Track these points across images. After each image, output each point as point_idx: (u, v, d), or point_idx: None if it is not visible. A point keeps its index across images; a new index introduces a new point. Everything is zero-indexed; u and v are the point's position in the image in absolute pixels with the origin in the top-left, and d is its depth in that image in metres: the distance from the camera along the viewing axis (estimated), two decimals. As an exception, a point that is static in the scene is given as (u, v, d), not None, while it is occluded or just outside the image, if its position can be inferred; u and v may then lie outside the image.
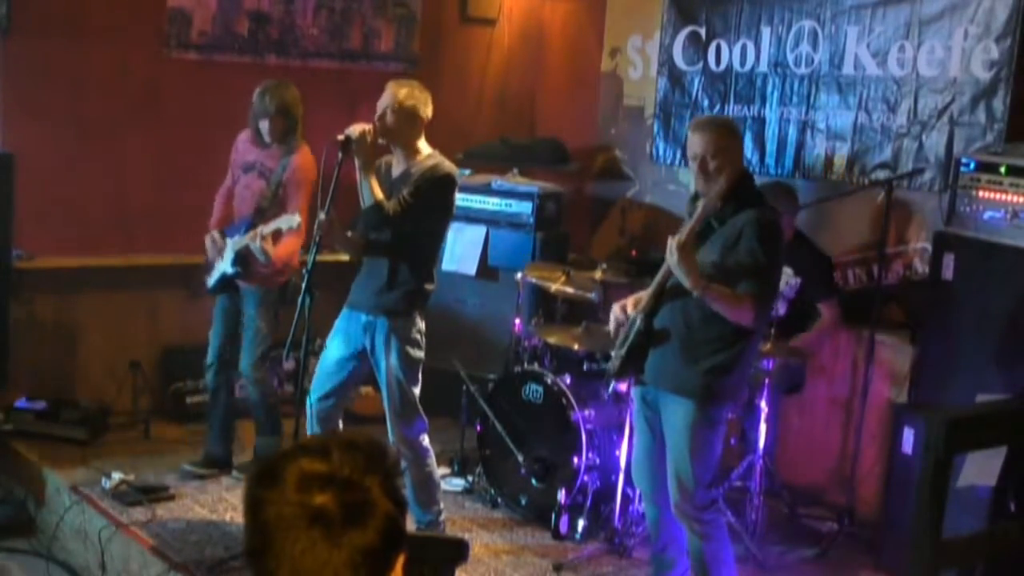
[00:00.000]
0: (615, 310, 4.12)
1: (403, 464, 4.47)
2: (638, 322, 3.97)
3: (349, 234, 4.50)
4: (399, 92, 4.36)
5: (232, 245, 4.96)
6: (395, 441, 4.49)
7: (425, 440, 4.55)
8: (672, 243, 3.73)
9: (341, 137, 4.36)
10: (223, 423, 5.28)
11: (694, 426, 3.86)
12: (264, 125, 4.97)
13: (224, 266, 4.99)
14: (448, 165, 4.44)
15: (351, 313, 4.51)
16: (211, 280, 5.04)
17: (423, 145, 4.45)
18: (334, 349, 4.54)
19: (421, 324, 4.47)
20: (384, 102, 4.37)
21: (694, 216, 3.84)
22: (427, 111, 4.41)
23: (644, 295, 4.02)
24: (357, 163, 4.31)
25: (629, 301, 4.10)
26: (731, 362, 3.85)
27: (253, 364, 5.10)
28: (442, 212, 4.46)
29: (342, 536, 1.46)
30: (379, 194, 4.30)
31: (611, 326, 4.14)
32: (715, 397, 3.87)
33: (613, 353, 4.12)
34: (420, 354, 4.47)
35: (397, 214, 4.29)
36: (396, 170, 4.47)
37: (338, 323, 4.58)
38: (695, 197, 4.01)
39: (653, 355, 3.96)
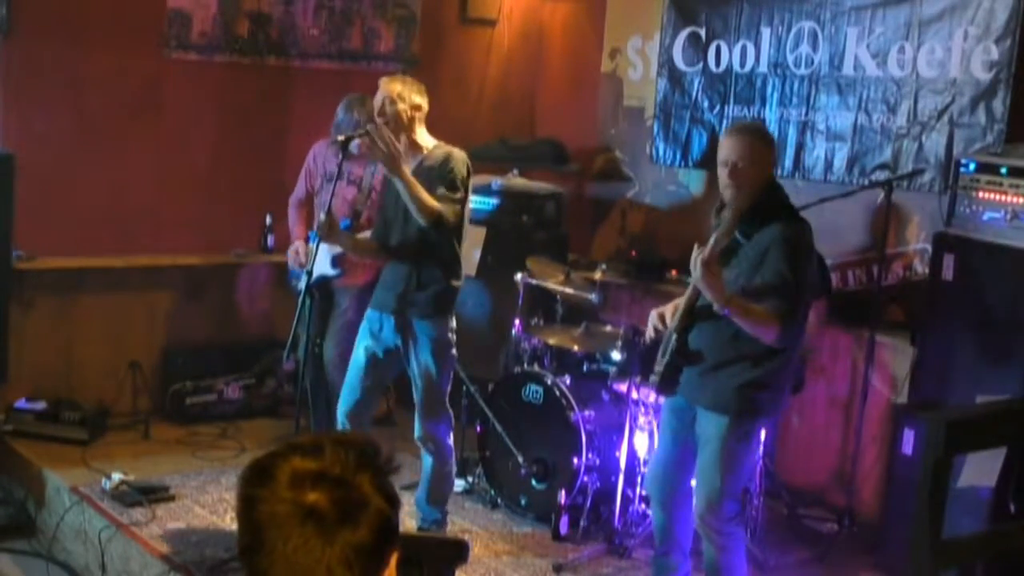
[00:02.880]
0: (653, 318, 4.05)
1: (428, 457, 4.48)
2: (672, 340, 3.90)
3: (359, 236, 4.49)
4: (393, 86, 4.35)
5: (329, 249, 5.00)
6: (421, 437, 4.50)
7: (450, 439, 4.59)
8: (696, 259, 3.66)
9: (341, 138, 4.37)
10: (329, 407, 5.27)
11: (728, 440, 3.83)
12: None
13: (323, 268, 5.07)
14: (454, 150, 4.43)
15: (380, 315, 4.50)
16: (311, 280, 5.10)
17: (426, 136, 4.44)
18: (362, 352, 4.53)
19: (453, 322, 4.50)
20: (380, 98, 4.35)
21: (719, 231, 3.75)
22: (422, 101, 4.39)
23: (680, 306, 3.95)
24: (398, 180, 4.23)
25: (668, 309, 4.04)
26: (766, 378, 3.81)
27: (340, 353, 5.17)
28: (463, 198, 4.45)
29: (335, 533, 1.47)
30: (433, 204, 4.23)
31: (648, 333, 4.09)
32: (750, 412, 3.84)
33: (655, 365, 4.03)
34: (454, 352, 4.51)
35: (456, 216, 4.31)
36: (405, 165, 4.45)
37: (364, 327, 4.56)
38: (720, 209, 3.94)
39: (688, 371, 3.92)
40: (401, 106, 4.33)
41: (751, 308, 3.72)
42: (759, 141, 3.86)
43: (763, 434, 4.06)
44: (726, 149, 3.85)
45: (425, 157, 4.41)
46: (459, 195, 4.35)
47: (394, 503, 1.53)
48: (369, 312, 4.58)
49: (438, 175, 4.34)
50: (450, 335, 4.48)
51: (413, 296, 4.40)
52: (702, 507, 3.91)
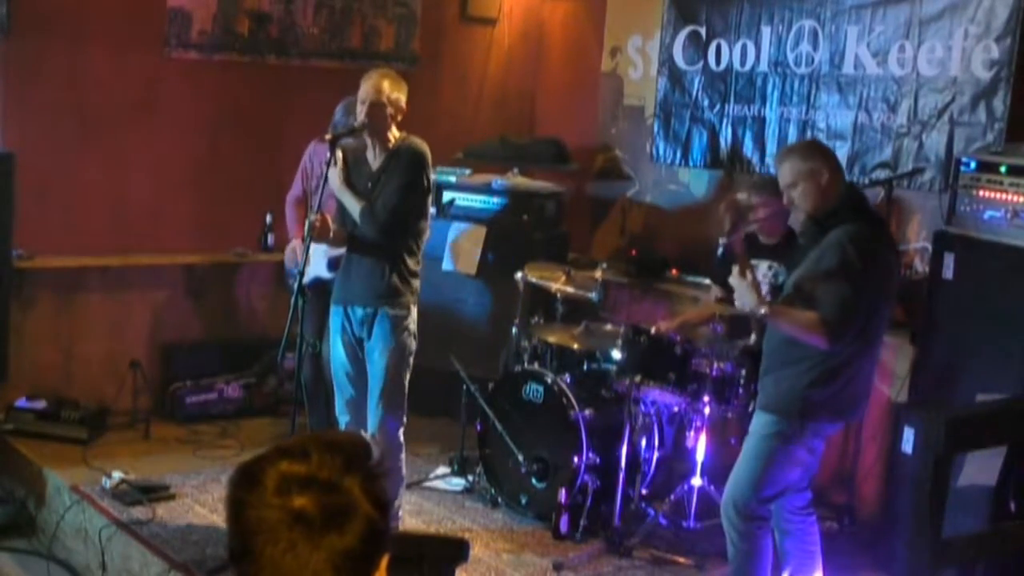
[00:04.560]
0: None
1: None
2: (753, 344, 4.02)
3: (334, 229, 4.50)
4: (384, 83, 4.32)
5: (325, 251, 5.01)
6: (375, 431, 4.46)
7: (401, 434, 4.54)
8: (734, 273, 3.76)
9: (328, 136, 4.36)
10: (327, 406, 5.26)
11: (767, 438, 3.83)
12: (349, 141, 4.94)
13: (319, 270, 5.08)
14: (415, 142, 4.43)
15: (345, 309, 4.50)
16: (306, 280, 5.10)
17: (394, 131, 4.43)
18: (341, 350, 4.52)
19: (415, 313, 4.48)
20: (370, 95, 4.30)
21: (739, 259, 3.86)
22: (404, 99, 4.37)
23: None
24: (341, 178, 4.34)
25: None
26: (819, 380, 3.76)
27: None
28: (423, 190, 4.44)
29: (322, 538, 1.46)
30: (359, 202, 4.33)
31: None
32: (795, 414, 3.79)
33: None
34: (414, 344, 4.48)
35: (390, 217, 4.32)
36: (375, 162, 4.43)
37: (334, 324, 4.56)
38: (802, 232, 4.03)
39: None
40: (389, 110, 4.33)
41: (793, 314, 3.72)
42: (797, 161, 3.86)
43: (818, 444, 3.92)
44: (778, 178, 3.94)
45: (392, 152, 4.41)
46: (407, 193, 4.34)
47: (383, 507, 1.51)
48: (334, 308, 4.56)
49: (396, 172, 4.36)
50: (412, 325, 4.46)
51: (375, 286, 4.39)
52: (727, 500, 3.92)
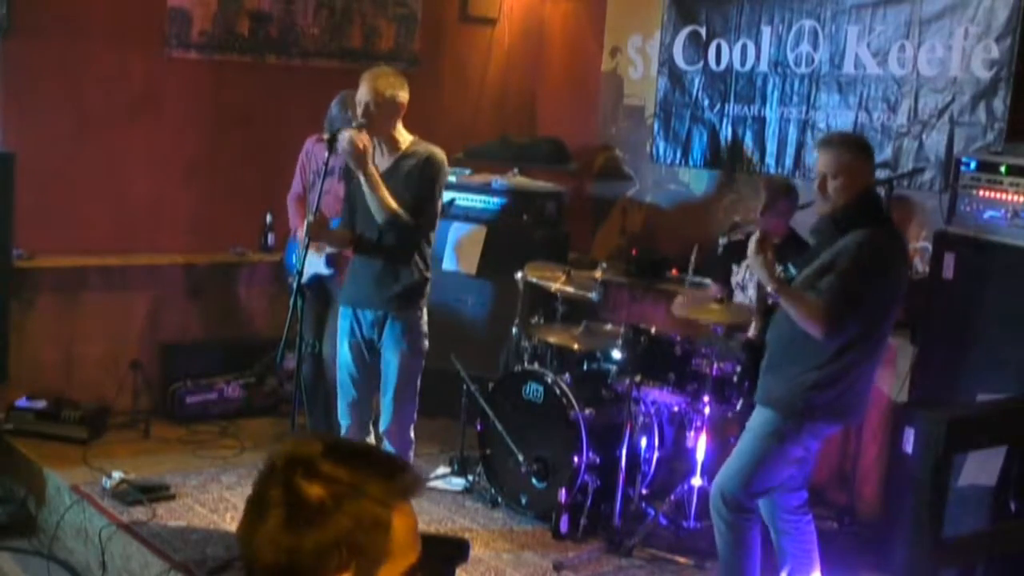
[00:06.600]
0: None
1: (391, 449, 4.46)
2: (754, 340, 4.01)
3: (334, 230, 4.49)
4: (377, 83, 4.29)
5: (324, 247, 5.00)
6: (386, 431, 4.48)
7: (412, 431, 4.56)
8: (752, 240, 3.75)
9: (327, 136, 4.35)
10: (327, 406, 5.26)
11: (762, 433, 3.82)
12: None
13: (318, 267, 5.09)
14: (435, 149, 4.40)
15: (355, 311, 4.50)
16: (304, 278, 5.09)
17: (403, 132, 4.41)
18: (347, 351, 4.53)
19: (425, 315, 4.49)
20: (364, 96, 4.28)
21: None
22: (405, 96, 4.33)
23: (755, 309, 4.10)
24: (362, 176, 4.27)
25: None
26: (819, 382, 3.74)
27: None
28: (439, 196, 4.45)
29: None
30: (393, 205, 4.27)
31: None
32: (794, 413, 3.78)
33: None
34: (426, 344, 4.50)
35: (413, 218, 4.30)
36: (382, 163, 4.40)
37: (343, 325, 4.56)
38: (814, 229, 3.98)
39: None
40: (387, 109, 4.29)
41: (801, 296, 3.70)
42: (847, 153, 3.79)
43: (814, 445, 3.90)
44: (817, 162, 3.86)
45: (403, 155, 4.38)
46: (430, 202, 4.35)
47: None
48: (343, 309, 4.56)
49: (417, 179, 4.33)
50: (424, 327, 4.47)
51: (387, 290, 4.38)
52: (715, 490, 3.93)
